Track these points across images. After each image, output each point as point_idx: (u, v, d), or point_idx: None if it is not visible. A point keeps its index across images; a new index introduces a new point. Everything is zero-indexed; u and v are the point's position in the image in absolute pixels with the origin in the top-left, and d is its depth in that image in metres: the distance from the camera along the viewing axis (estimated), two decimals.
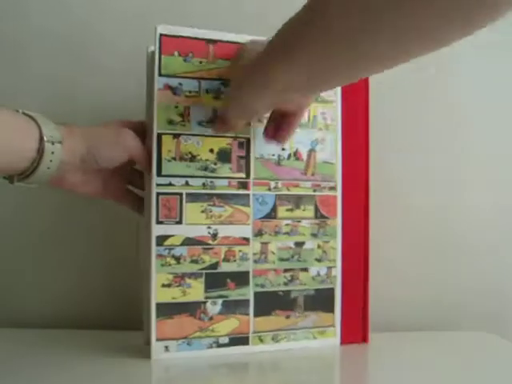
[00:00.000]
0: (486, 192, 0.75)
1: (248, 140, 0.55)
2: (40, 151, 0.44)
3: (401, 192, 0.73)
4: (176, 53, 0.53)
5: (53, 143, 0.45)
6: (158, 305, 0.52)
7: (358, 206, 0.60)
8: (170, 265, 0.52)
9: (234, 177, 0.55)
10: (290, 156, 0.57)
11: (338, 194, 0.59)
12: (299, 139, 0.57)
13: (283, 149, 0.57)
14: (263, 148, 0.56)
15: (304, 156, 0.58)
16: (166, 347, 0.52)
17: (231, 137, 0.55)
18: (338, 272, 0.59)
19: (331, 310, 0.58)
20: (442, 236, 0.74)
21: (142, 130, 0.54)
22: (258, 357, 0.54)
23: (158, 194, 0.52)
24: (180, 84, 0.53)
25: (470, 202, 0.75)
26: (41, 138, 0.44)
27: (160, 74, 0.52)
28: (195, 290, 0.53)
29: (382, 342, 0.61)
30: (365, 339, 0.60)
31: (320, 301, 0.58)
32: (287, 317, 0.56)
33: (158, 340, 0.52)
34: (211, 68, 0.54)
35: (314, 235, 0.58)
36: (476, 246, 0.75)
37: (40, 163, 0.45)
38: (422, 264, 0.73)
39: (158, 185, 0.52)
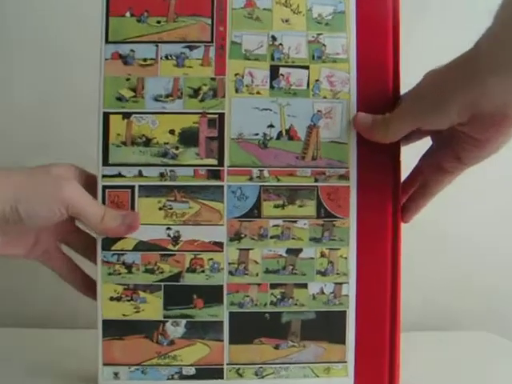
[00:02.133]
0: (485, 193, 0.73)
1: (221, 116, 0.43)
2: None
3: None
4: (127, 13, 0.43)
5: None
6: (106, 322, 0.42)
7: (381, 200, 0.43)
8: (119, 274, 0.42)
9: (202, 164, 0.43)
10: (280, 135, 0.43)
11: (352, 184, 0.43)
12: (294, 111, 0.43)
13: (271, 125, 0.43)
14: (243, 124, 0.43)
15: (301, 134, 0.43)
16: (116, 374, 0.42)
17: (198, 112, 0.43)
18: (351, 290, 0.43)
19: (341, 340, 0.43)
20: (442, 236, 0.74)
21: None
22: None
23: (105, 187, 0.42)
24: (132, 51, 0.43)
25: (469, 202, 0.73)
26: None
27: (107, 41, 0.43)
28: (151, 307, 0.42)
29: None
30: (393, 381, 0.44)
31: (324, 327, 0.43)
32: (276, 346, 0.43)
33: (105, 364, 0.42)
34: (172, 28, 0.43)
35: (316, 240, 0.43)
36: (476, 245, 0.75)
37: None
38: (421, 264, 0.72)
39: (104, 176, 0.42)
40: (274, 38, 0.43)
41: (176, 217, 0.42)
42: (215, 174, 0.43)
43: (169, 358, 0.42)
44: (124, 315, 0.42)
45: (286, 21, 0.43)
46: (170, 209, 0.42)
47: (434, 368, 0.53)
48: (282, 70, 0.43)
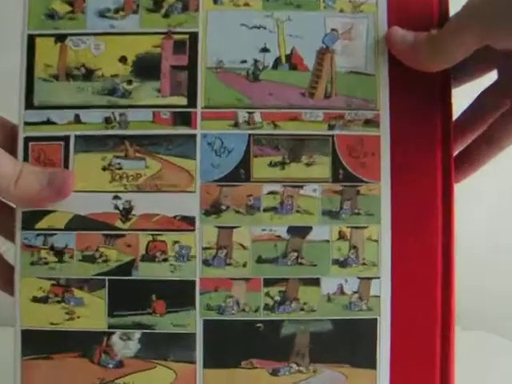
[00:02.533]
0: (483, 194, 0.71)
1: (193, 36, 0.30)
2: None
3: None
4: None
5: None
6: (26, 333, 0.29)
7: (425, 157, 0.30)
8: (45, 263, 0.29)
9: (166, 104, 0.30)
10: (278, 62, 0.30)
11: (384, 133, 0.30)
12: (297, 30, 0.30)
13: (265, 49, 0.30)
14: (225, 48, 0.30)
15: (308, 61, 0.30)
16: None
17: (161, 32, 0.30)
18: (383, 288, 0.29)
19: (370, 362, 0.29)
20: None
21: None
22: None
23: (27, 139, 0.30)
24: None
25: (468, 202, 0.65)
26: None
27: None
28: (91, 312, 0.29)
29: None
30: None
31: (344, 344, 0.29)
32: (273, 372, 0.29)
33: None
34: None
35: (332, 215, 0.29)
36: (475, 245, 0.71)
37: None
38: None
39: (26, 124, 0.30)
40: None
41: (127, 180, 0.29)
42: (184, 119, 0.29)
43: None
44: (52, 324, 0.29)
45: None
46: (119, 169, 0.29)
47: None
48: None
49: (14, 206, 0.29)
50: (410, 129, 0.30)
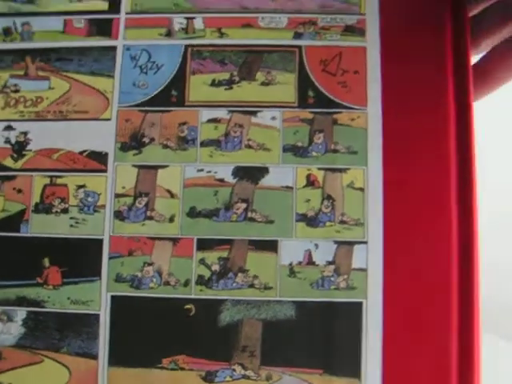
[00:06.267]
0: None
1: None
2: None
3: None
4: None
5: None
6: None
7: (432, 76, 0.21)
8: None
9: (81, 10, 0.22)
10: None
11: (372, 43, 0.21)
12: None
13: None
14: None
15: None
16: None
17: None
18: (374, 259, 0.20)
19: (352, 368, 0.19)
20: None
21: None
22: None
23: None
24: None
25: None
26: None
27: None
28: None
29: None
30: None
31: (315, 340, 0.20)
32: (207, 376, 0.20)
33: None
34: None
35: (297, 152, 0.21)
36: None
37: None
38: None
39: None
40: None
41: (24, 106, 0.22)
42: (102, 27, 0.22)
43: None
44: None
45: None
46: (16, 91, 0.22)
47: None
48: None
49: None
50: (408, 39, 0.21)
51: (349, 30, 0.21)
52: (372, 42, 0.21)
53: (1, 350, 0.21)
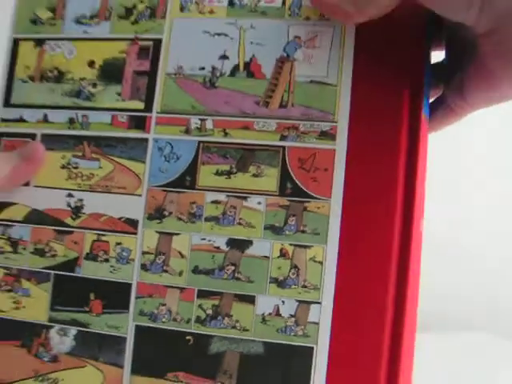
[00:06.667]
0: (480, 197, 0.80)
1: (157, 42, 0.30)
2: None
3: None
4: None
5: None
6: None
7: (383, 176, 0.27)
8: (1, 252, 0.31)
9: (124, 108, 0.30)
10: (235, 70, 0.29)
11: (340, 147, 0.28)
12: (260, 37, 0.29)
13: (224, 56, 0.29)
14: (186, 55, 0.30)
15: (266, 70, 0.29)
16: None
17: (128, 38, 0.31)
18: (323, 315, 0.27)
19: None
20: (442, 238, 0.75)
21: None
22: None
23: (1, 135, 0.32)
24: None
25: (467, 204, 0.80)
26: None
27: None
28: (35, 303, 0.30)
29: None
30: None
31: (277, 371, 0.27)
32: None
33: None
34: None
35: (275, 230, 0.28)
36: (475, 246, 0.79)
37: None
38: (422, 265, 0.69)
39: (2, 120, 0.32)
40: None
41: (82, 179, 0.30)
42: (139, 123, 0.30)
43: (47, 382, 0.29)
44: (1, 311, 0.30)
45: None
46: (76, 168, 0.30)
47: (434, 368, 0.54)
48: None
49: None
50: (369, 145, 0.27)
51: (323, 135, 0.28)
52: (340, 146, 0.28)
53: (58, 355, 0.29)
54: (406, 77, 0.27)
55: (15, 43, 0.32)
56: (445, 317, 0.77)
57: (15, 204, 0.31)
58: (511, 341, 0.67)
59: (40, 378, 0.29)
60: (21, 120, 0.31)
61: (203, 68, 0.29)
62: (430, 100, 0.31)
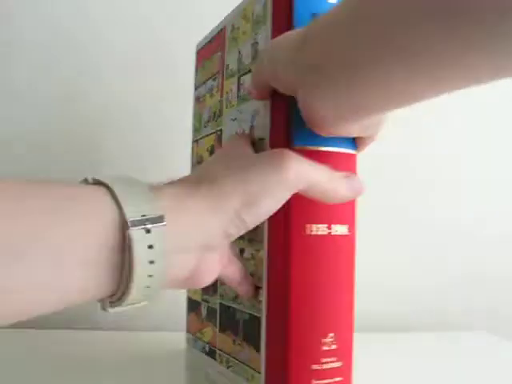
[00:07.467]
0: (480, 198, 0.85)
1: (221, 132, 0.50)
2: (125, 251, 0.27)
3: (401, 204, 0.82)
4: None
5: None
6: (189, 300, 0.57)
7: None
8: None
9: None
10: None
11: None
12: (244, 116, 0.44)
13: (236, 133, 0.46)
14: (226, 136, 0.48)
15: None
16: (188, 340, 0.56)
17: (213, 132, 0.51)
18: (263, 295, 0.39)
19: (258, 348, 0.40)
20: (443, 236, 0.82)
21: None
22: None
23: None
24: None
25: (467, 204, 0.84)
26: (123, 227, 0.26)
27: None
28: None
29: (380, 342, 0.64)
30: None
31: (252, 332, 0.41)
32: (234, 341, 0.44)
33: (188, 332, 0.57)
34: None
35: (250, 241, 0.42)
36: (475, 247, 0.82)
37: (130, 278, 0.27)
38: (422, 265, 0.79)
39: None
40: (239, 52, 0.46)
41: None
42: None
43: (200, 334, 0.52)
44: (194, 293, 0.56)
45: (244, 32, 0.45)
46: None
47: (434, 368, 0.57)
48: (241, 79, 0.46)
49: None
50: None
51: None
52: None
53: (203, 317, 0.52)
54: None
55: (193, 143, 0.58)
56: (445, 317, 0.80)
57: None
58: (511, 341, 0.68)
59: (200, 331, 0.52)
60: None
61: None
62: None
